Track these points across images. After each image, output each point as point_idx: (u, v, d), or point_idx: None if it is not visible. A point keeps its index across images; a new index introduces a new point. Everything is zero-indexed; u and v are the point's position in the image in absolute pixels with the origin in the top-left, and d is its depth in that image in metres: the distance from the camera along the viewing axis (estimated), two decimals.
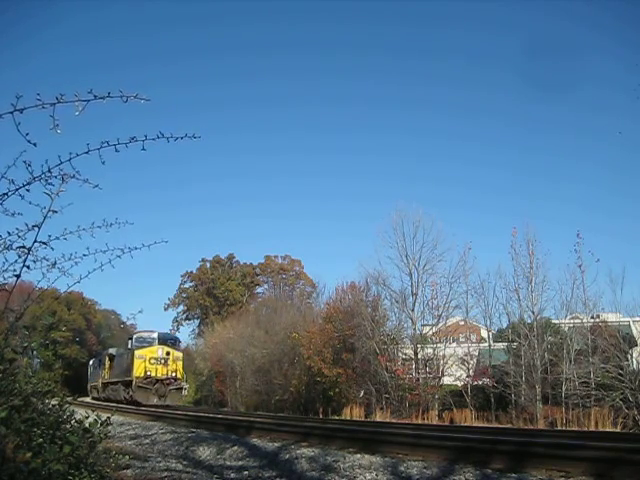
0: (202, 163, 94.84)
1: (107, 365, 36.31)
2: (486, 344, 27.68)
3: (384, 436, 9.17)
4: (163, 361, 29.12)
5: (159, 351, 29.40)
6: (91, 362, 48.01)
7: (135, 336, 30.61)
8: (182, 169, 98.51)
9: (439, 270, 26.10)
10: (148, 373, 28.37)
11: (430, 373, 25.32)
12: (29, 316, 4.19)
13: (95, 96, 2.61)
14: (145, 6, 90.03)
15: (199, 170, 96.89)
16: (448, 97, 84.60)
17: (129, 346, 30.29)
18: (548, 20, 71.27)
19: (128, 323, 62.35)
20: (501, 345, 27.08)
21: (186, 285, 65.19)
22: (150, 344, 29.54)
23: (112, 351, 36.21)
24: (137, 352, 28.91)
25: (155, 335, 30.42)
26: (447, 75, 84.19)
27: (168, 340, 30.79)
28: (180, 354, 30.69)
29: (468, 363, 25.55)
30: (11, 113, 2.56)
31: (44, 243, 3.25)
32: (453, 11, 79.45)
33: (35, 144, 2.68)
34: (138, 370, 28.30)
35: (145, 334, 30.55)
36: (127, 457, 5.24)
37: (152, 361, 28.70)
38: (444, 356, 25.39)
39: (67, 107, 2.60)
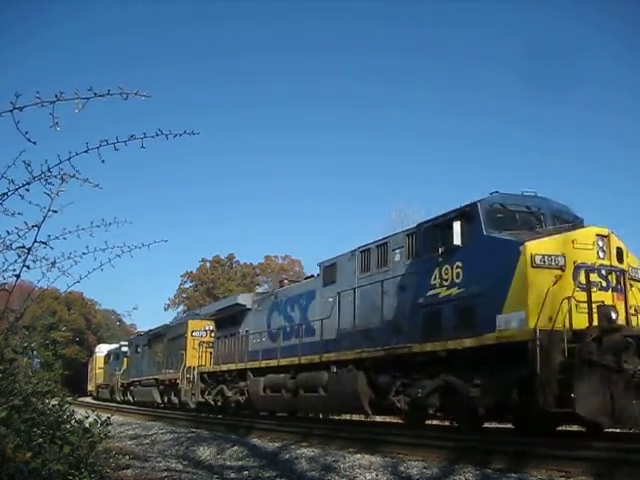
0: (202, 163, 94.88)
1: (196, 341, 19.83)
2: None
3: (384, 436, 9.17)
4: (617, 277, 8.35)
5: (599, 247, 8.35)
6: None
7: (485, 205, 9.18)
8: (182, 169, 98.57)
9: None
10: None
11: None
12: (29, 316, 4.20)
13: (95, 94, 2.62)
14: (143, 6, 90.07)
15: (199, 170, 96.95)
16: (448, 97, 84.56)
17: (483, 229, 8.92)
18: (548, 20, 71.22)
19: (128, 323, 62.51)
20: None
21: (186, 285, 65.17)
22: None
23: (242, 300, 17.02)
24: (531, 243, 8.18)
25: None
26: (447, 75, 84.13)
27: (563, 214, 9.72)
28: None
29: None
30: (10, 111, 2.56)
31: (44, 243, 3.25)
32: (454, 11, 79.33)
33: (35, 142, 2.69)
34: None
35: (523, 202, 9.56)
36: (127, 457, 5.24)
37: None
38: None
39: (67, 106, 2.61)
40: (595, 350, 7.36)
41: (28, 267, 3.31)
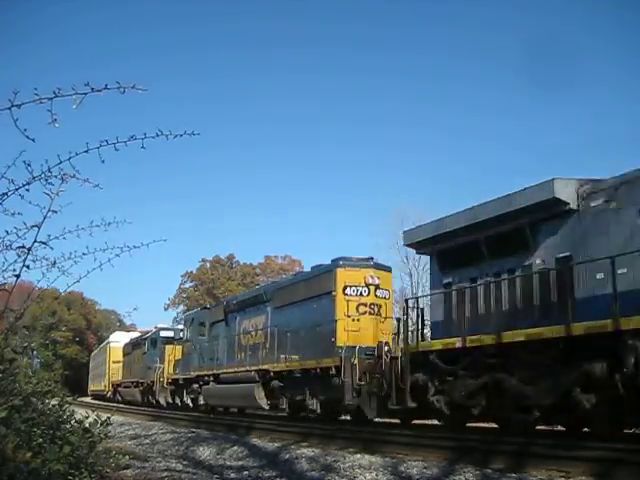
0: (202, 163, 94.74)
1: None
2: None
3: (384, 436, 9.17)
4: None
5: None
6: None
7: None
8: (182, 170, 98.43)
9: None
10: None
11: None
12: (29, 316, 4.20)
13: (92, 89, 2.61)
14: (142, 1, 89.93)
15: (199, 170, 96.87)
16: (450, 93, 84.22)
17: None
18: (553, 21, 71.11)
19: (127, 323, 62.51)
20: None
21: (186, 285, 65.22)
22: None
23: (563, 191, 8.51)
24: None
25: None
26: (449, 71, 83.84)
27: None
28: None
29: None
30: (9, 109, 2.56)
31: (44, 243, 3.25)
32: (459, 11, 78.97)
33: (34, 139, 2.69)
34: None
35: None
36: (127, 457, 5.24)
37: None
38: None
39: (66, 102, 2.60)
40: None
41: (28, 267, 3.31)
